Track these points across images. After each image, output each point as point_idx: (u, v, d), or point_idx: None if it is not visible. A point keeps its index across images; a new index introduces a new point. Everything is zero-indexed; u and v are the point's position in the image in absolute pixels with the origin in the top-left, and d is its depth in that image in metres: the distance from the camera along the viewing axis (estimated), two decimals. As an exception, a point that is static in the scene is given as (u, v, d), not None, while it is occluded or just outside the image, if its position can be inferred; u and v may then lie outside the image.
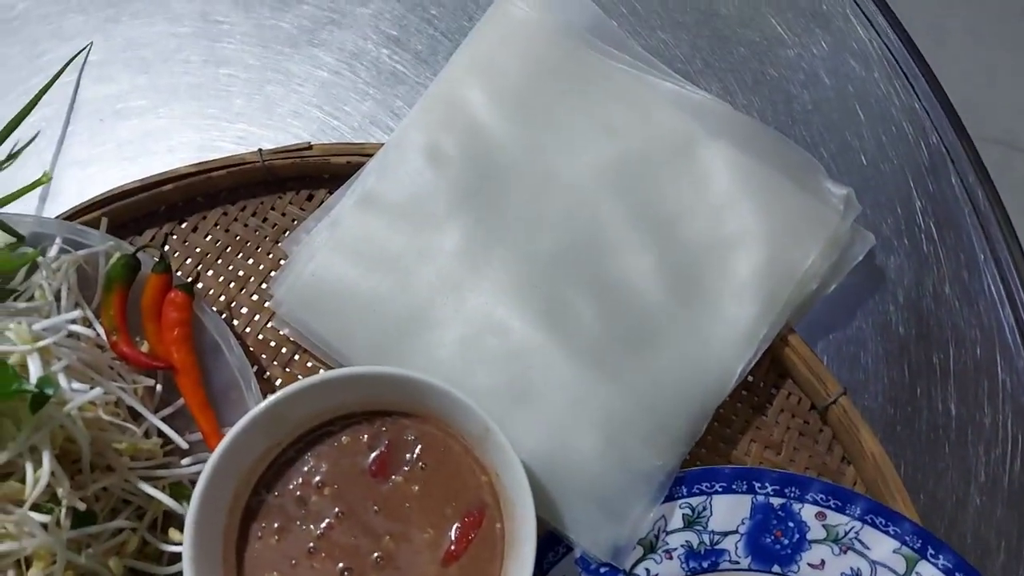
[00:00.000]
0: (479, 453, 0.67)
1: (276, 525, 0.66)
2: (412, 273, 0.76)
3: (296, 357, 0.79)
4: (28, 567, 0.60)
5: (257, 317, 0.80)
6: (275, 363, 0.79)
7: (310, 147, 0.81)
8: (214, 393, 0.73)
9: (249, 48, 0.91)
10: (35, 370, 0.62)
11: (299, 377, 0.75)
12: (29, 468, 0.60)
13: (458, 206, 0.77)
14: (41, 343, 0.62)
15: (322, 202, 0.82)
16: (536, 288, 0.75)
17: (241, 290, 0.81)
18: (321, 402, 0.67)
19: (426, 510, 0.66)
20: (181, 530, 0.68)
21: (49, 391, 0.60)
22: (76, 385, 0.64)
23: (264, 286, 0.81)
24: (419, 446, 0.68)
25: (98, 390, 0.63)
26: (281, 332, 0.79)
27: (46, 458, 0.60)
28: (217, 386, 0.73)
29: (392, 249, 0.77)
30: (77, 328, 0.67)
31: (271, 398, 0.65)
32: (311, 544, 0.65)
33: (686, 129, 0.79)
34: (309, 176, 0.84)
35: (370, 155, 0.81)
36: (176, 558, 0.68)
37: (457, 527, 0.66)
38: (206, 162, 0.81)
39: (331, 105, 0.88)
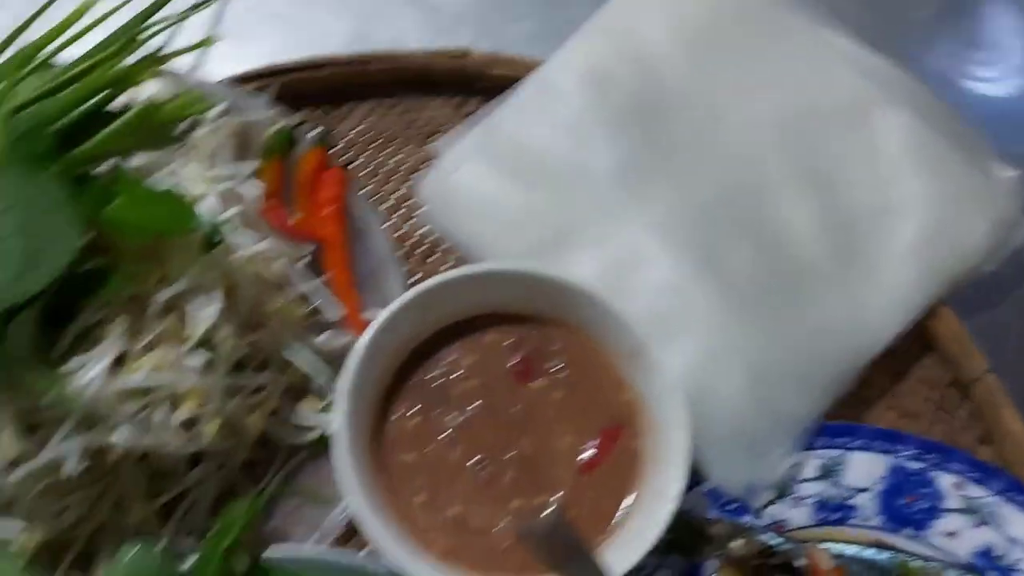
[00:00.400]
0: (624, 371, 0.66)
1: (417, 408, 0.65)
2: (563, 192, 0.75)
3: (432, 258, 0.78)
4: (176, 405, 0.59)
5: (399, 212, 0.79)
6: (412, 259, 0.78)
7: (468, 54, 0.81)
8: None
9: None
10: (209, 212, 0.61)
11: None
12: (195, 306, 0.59)
13: (619, 131, 0.76)
14: (219, 186, 0.62)
15: (472, 112, 0.81)
16: (692, 226, 0.74)
17: (384, 184, 0.80)
18: (471, 296, 0.66)
19: (566, 418, 0.65)
20: (310, 403, 0.68)
21: (221, 235, 0.59)
22: (242, 237, 0.63)
23: (408, 183, 0.80)
24: (564, 355, 0.67)
25: (267, 242, 0.62)
26: (418, 232, 0.78)
27: (214, 298, 0.59)
28: (358, 271, 0.73)
29: (545, 166, 0.76)
30: (245, 185, 0.66)
31: (429, 282, 0.64)
32: (450, 432, 0.64)
33: (861, 90, 0.77)
34: (463, 83, 0.82)
35: (529, 70, 0.80)
36: (301, 431, 0.68)
37: (595, 439, 0.65)
38: (366, 53, 0.81)
39: (497, 14, 0.87)
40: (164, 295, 0.58)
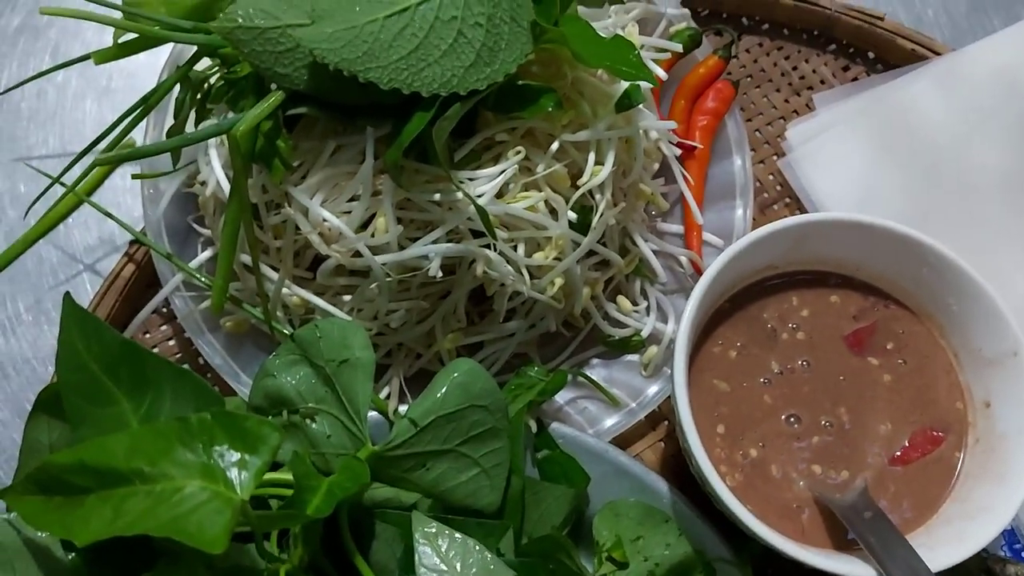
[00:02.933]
0: (969, 377, 0.61)
1: (740, 343, 0.62)
2: (937, 179, 0.71)
3: (776, 206, 0.75)
4: (534, 249, 0.59)
5: (754, 153, 0.76)
6: (755, 201, 0.75)
7: (882, 19, 0.77)
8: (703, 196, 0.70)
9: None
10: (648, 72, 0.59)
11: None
12: (591, 158, 0.58)
13: (1017, 139, 0.71)
14: (645, 54, 0.60)
15: (857, 77, 0.78)
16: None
17: (748, 120, 0.77)
18: (828, 247, 0.62)
19: (890, 404, 0.61)
20: (623, 302, 0.67)
21: (642, 97, 0.58)
22: (647, 111, 0.62)
23: (770, 126, 0.77)
24: (906, 341, 0.63)
25: (670, 124, 0.61)
26: (770, 176, 0.75)
27: (609, 159, 0.58)
28: (708, 192, 0.71)
29: (926, 148, 0.72)
30: (651, 62, 0.65)
31: (796, 219, 0.61)
32: (767, 377, 0.61)
33: None
34: (861, 47, 0.79)
35: (937, 53, 0.75)
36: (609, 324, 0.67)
37: (915, 435, 0.61)
38: (773, -11, 0.78)
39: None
40: (569, 137, 0.57)
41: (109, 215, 0.63)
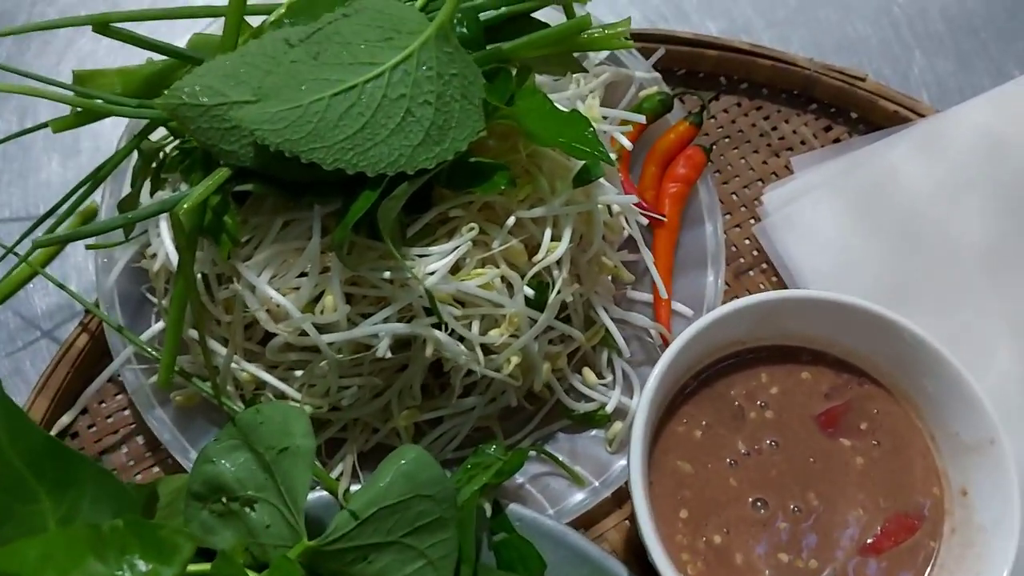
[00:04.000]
0: (948, 462, 0.59)
1: (706, 422, 0.60)
2: (915, 247, 0.69)
3: (752, 272, 0.73)
4: (488, 327, 0.57)
5: (729, 216, 0.74)
6: (729, 267, 0.73)
7: (864, 79, 0.75)
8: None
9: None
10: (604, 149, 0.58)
11: (759, 289, 0.70)
12: (548, 234, 0.56)
13: (998, 208, 0.69)
14: (603, 126, 0.59)
15: (839, 139, 0.76)
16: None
17: (724, 183, 0.75)
18: (799, 323, 0.60)
19: (863, 489, 0.59)
20: (588, 375, 0.65)
21: (601, 172, 0.56)
22: (606, 184, 0.60)
23: (747, 189, 0.75)
24: (881, 423, 0.60)
25: (631, 198, 0.59)
26: (746, 240, 0.73)
27: (567, 234, 0.56)
28: (678, 261, 0.69)
29: (904, 215, 0.70)
30: (616, 132, 0.63)
31: (769, 295, 0.59)
32: (733, 458, 0.59)
33: None
34: (842, 107, 0.77)
35: (920, 115, 0.73)
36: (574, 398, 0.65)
37: (888, 522, 0.58)
38: (757, 46, 0.76)
39: (899, 44, 0.81)
40: (525, 213, 0.55)
41: (61, 286, 0.62)
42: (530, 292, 0.57)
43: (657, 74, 0.69)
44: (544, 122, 0.53)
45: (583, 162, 0.57)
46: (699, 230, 0.68)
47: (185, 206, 0.51)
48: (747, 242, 0.73)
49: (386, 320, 0.54)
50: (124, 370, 0.61)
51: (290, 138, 0.49)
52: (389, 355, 0.54)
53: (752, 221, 0.73)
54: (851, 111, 0.76)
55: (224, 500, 0.52)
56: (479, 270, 0.55)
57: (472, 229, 0.55)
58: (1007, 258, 0.68)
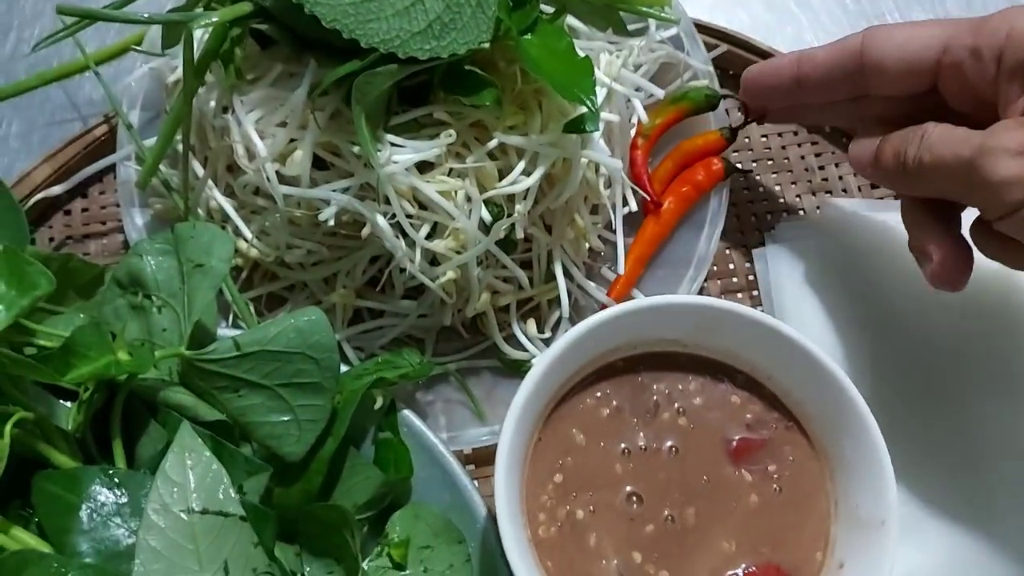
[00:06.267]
0: (840, 531, 0.56)
1: (617, 404, 0.59)
2: (907, 334, 0.66)
3: (740, 294, 0.71)
4: (435, 234, 0.58)
5: (739, 234, 0.72)
6: (717, 281, 0.71)
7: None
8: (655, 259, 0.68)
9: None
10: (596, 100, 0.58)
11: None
12: (520, 166, 0.57)
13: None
14: (621, 87, 0.59)
15: (883, 198, 0.73)
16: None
17: (750, 202, 0.73)
18: (749, 347, 0.59)
19: (745, 525, 0.56)
20: (532, 326, 0.65)
21: (596, 127, 0.56)
22: (599, 143, 0.60)
23: (770, 215, 0.73)
24: (790, 471, 0.58)
25: (618, 162, 0.59)
26: (747, 263, 0.71)
27: (538, 173, 0.57)
28: (662, 255, 0.68)
29: (913, 299, 0.67)
30: (639, 106, 0.63)
31: (705, 299, 0.58)
32: (628, 447, 0.58)
33: None
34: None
35: (972, 202, 0.69)
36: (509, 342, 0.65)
37: (757, 568, 0.56)
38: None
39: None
40: (503, 137, 0.56)
41: (97, 74, 0.67)
42: (488, 217, 0.57)
43: (711, 69, 0.68)
44: (550, 57, 0.54)
45: (582, 113, 0.57)
46: (695, 236, 0.67)
47: (199, 22, 0.54)
48: (747, 265, 0.71)
49: (343, 191, 0.56)
50: (121, 164, 0.65)
51: (300, -17, 0.51)
52: (331, 223, 0.56)
53: (762, 246, 0.71)
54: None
55: (139, 294, 0.55)
56: (444, 178, 0.57)
57: (450, 136, 0.56)
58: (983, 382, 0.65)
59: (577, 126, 0.56)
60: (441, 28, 0.53)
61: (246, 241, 0.60)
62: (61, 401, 0.51)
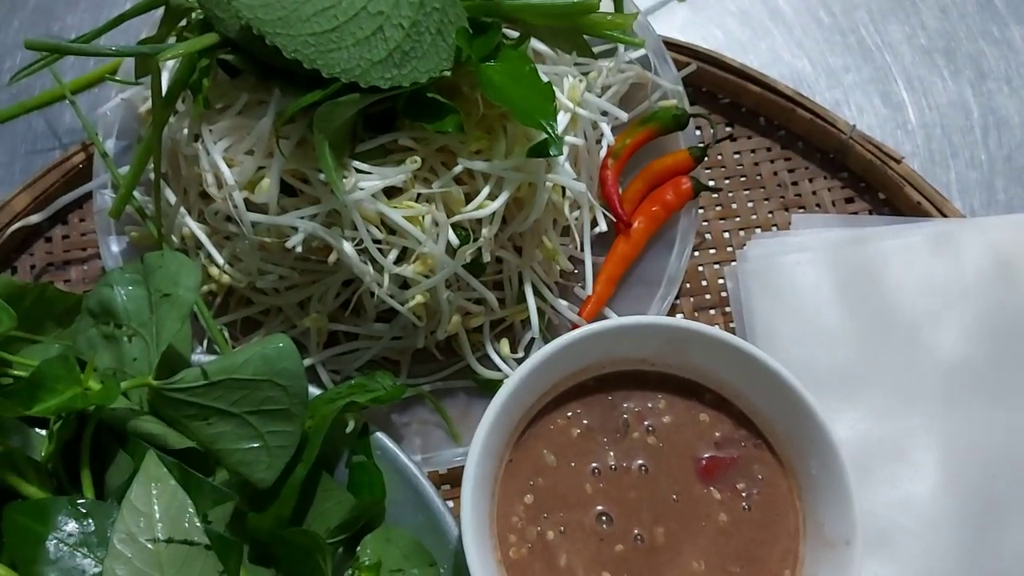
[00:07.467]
0: (808, 550, 0.57)
1: (588, 423, 0.60)
2: (882, 341, 0.66)
3: (712, 311, 0.71)
4: (403, 259, 0.59)
5: (696, 253, 0.73)
6: (689, 299, 0.71)
7: (899, 162, 0.71)
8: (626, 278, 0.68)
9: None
10: (558, 126, 0.59)
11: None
12: (485, 191, 0.57)
13: (986, 331, 0.65)
14: (579, 110, 0.59)
15: (857, 213, 0.73)
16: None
17: (722, 219, 0.74)
18: (717, 365, 0.59)
19: (715, 545, 0.57)
20: (505, 346, 0.66)
21: (559, 151, 0.56)
22: (565, 167, 0.60)
23: (742, 232, 0.73)
24: (760, 490, 0.59)
25: (583, 185, 0.59)
26: (719, 280, 0.71)
27: (502, 198, 0.57)
28: (634, 274, 0.68)
29: (883, 306, 0.67)
30: (607, 129, 0.64)
31: (678, 322, 0.59)
32: (599, 467, 0.58)
33: None
34: (870, 183, 0.74)
35: (943, 214, 0.70)
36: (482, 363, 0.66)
37: (726, 587, 0.56)
38: (800, 95, 0.74)
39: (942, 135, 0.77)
40: (467, 163, 0.57)
41: (73, 103, 0.68)
42: (455, 240, 0.58)
43: (680, 88, 0.69)
44: (511, 83, 0.54)
45: (544, 138, 0.57)
46: (666, 254, 0.68)
47: (167, 55, 0.55)
48: (720, 282, 0.71)
49: (312, 218, 0.57)
50: (97, 193, 0.66)
51: (261, 17, 0.52)
52: (299, 249, 0.57)
53: (733, 263, 0.72)
54: (880, 190, 0.73)
55: (111, 324, 0.56)
56: (411, 203, 0.57)
57: (415, 162, 0.57)
58: (968, 383, 0.65)
59: (540, 150, 0.57)
60: (402, 57, 0.53)
61: (218, 267, 0.61)
62: (36, 430, 0.53)
